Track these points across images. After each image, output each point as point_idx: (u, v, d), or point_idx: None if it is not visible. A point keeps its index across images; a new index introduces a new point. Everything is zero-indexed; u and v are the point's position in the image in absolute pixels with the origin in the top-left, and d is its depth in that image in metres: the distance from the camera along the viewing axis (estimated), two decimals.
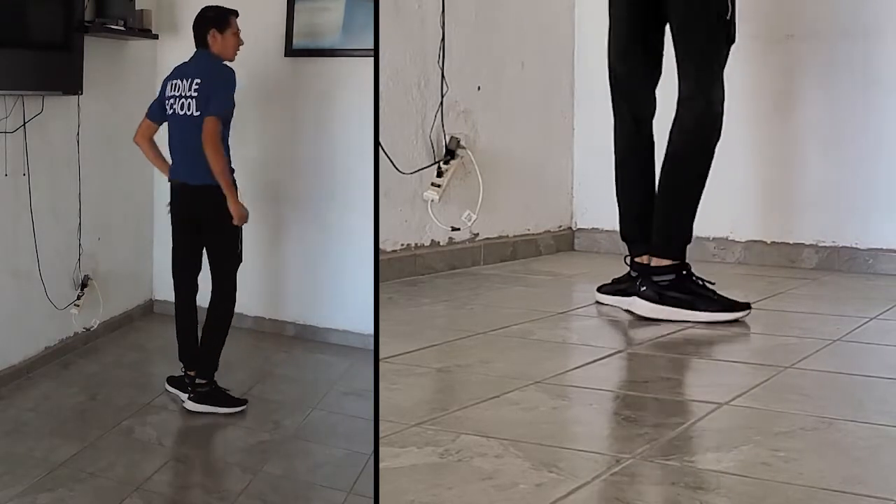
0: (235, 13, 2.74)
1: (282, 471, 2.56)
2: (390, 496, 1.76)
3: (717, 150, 3.29)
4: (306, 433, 2.75)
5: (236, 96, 2.73)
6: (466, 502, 1.77)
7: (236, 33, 2.74)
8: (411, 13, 4.02)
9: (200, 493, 2.49)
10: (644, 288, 3.23)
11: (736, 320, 3.19)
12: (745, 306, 3.23)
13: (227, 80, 2.70)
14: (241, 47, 2.76)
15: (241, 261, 2.80)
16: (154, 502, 2.40)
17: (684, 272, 3.24)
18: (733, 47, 3.32)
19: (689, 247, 3.33)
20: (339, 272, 3.00)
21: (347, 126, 2.95)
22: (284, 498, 2.43)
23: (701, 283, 3.25)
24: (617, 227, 3.62)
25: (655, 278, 3.23)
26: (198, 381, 2.76)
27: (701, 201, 3.32)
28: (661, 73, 3.39)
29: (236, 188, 2.69)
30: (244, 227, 2.80)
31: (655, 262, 3.26)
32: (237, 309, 3.01)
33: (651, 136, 3.41)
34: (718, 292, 3.25)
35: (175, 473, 2.56)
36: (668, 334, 3.06)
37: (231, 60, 2.74)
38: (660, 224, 3.29)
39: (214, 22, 2.72)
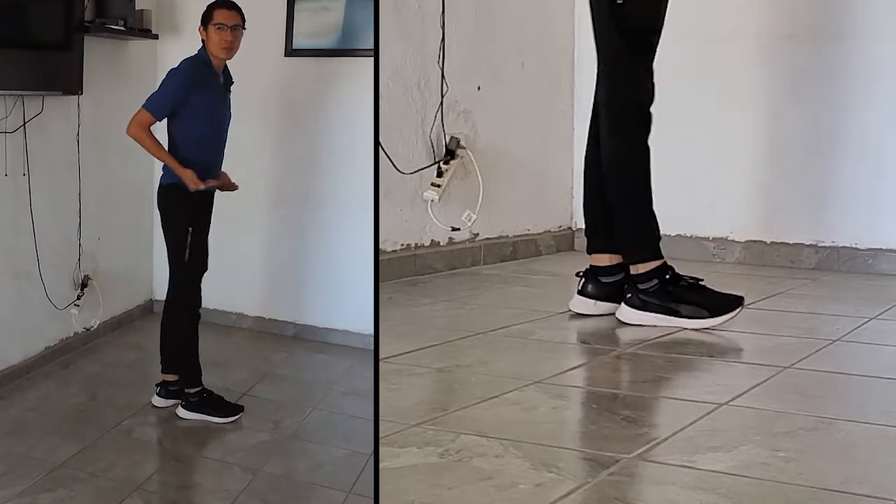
0: (228, 4, 2.60)
1: (282, 471, 2.56)
2: (390, 496, 1.76)
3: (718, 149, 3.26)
4: (306, 433, 2.74)
5: (236, 96, 2.73)
6: (466, 502, 1.77)
7: (220, 26, 2.58)
8: (411, 13, 4.02)
9: (200, 493, 2.49)
10: (630, 295, 3.20)
11: (728, 320, 3.10)
12: (736, 303, 3.12)
13: (167, 74, 2.60)
14: (233, 44, 2.62)
15: None
16: (154, 502, 2.40)
17: (667, 276, 3.17)
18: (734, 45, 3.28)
19: (689, 247, 3.32)
20: (339, 272, 3.00)
21: (347, 126, 2.95)
22: (284, 498, 2.43)
23: (689, 282, 3.17)
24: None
25: (640, 286, 3.18)
26: (187, 389, 2.73)
27: (702, 200, 3.30)
28: None
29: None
30: (245, 225, 2.81)
31: (634, 268, 3.20)
32: (237, 309, 3.01)
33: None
34: (711, 288, 3.16)
35: (175, 473, 2.56)
36: (667, 334, 3.06)
37: (220, 57, 2.61)
38: (621, 230, 3.24)
39: (202, 16, 2.62)
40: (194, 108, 2.61)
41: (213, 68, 2.64)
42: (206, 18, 2.60)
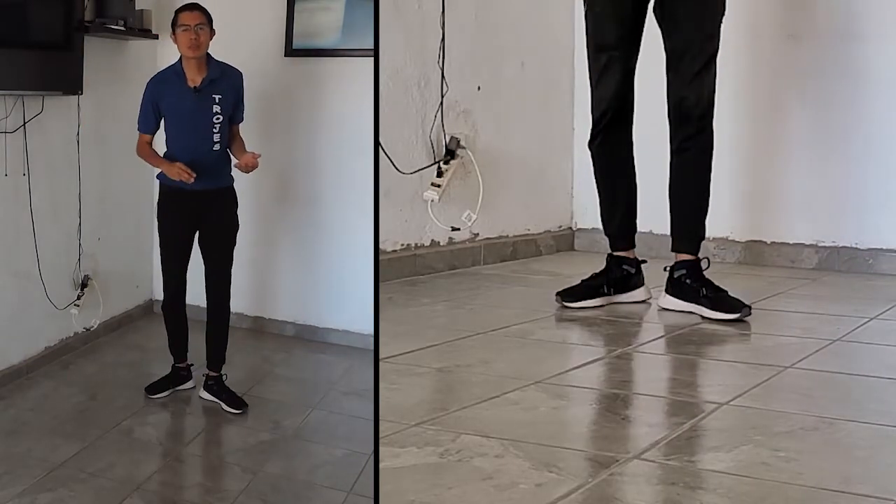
0: (189, 6, 2.64)
1: (282, 471, 2.56)
2: (390, 496, 1.76)
3: (717, 149, 3.39)
4: (306, 433, 2.74)
5: None
6: (466, 502, 1.77)
7: (184, 27, 2.62)
8: (411, 13, 4.02)
9: (200, 493, 2.49)
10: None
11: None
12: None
13: None
14: (198, 42, 2.64)
15: None
16: (154, 502, 2.40)
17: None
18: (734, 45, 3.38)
19: None
20: (339, 272, 3.00)
21: (347, 126, 2.94)
22: (284, 498, 2.43)
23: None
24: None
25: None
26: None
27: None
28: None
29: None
30: (246, 225, 2.82)
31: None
32: (237, 309, 3.01)
33: None
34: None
35: (175, 473, 2.56)
36: (667, 335, 3.06)
37: (189, 56, 2.64)
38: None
39: (171, 24, 2.67)
40: (167, 115, 2.71)
41: (184, 74, 2.67)
42: (173, 24, 2.67)
